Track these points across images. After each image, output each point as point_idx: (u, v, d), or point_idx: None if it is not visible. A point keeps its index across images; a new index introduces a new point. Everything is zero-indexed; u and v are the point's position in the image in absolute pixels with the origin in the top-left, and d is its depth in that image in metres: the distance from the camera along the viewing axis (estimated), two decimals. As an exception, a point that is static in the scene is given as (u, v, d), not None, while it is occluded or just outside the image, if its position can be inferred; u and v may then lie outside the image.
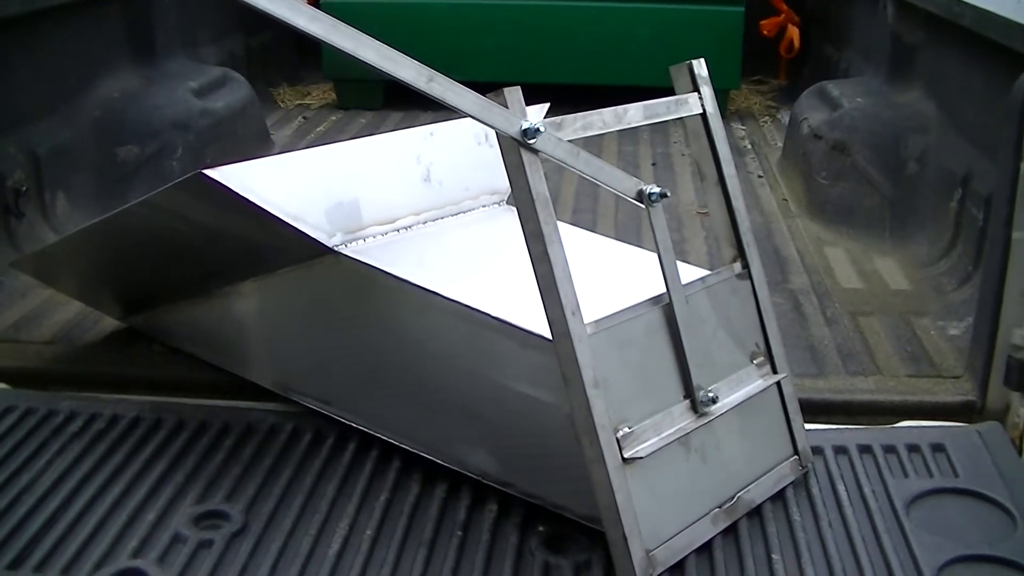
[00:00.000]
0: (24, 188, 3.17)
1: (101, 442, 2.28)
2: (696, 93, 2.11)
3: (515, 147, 1.79)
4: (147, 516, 2.03)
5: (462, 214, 2.54)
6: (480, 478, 2.12)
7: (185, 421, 2.35)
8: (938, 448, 2.28)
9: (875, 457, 2.25)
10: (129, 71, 3.97)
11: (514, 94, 1.80)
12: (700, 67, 2.12)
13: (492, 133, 1.83)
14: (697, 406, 1.98)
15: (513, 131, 1.78)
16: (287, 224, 2.12)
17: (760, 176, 4.22)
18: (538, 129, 1.79)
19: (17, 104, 3.26)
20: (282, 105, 5.31)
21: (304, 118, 5.08)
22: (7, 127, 3.19)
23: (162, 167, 3.68)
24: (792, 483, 2.15)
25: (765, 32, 5.47)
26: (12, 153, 3.17)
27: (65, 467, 2.19)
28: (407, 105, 5.04)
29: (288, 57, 5.72)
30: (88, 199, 3.49)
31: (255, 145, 4.34)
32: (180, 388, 2.52)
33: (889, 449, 2.28)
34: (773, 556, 1.95)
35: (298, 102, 5.36)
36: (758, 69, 5.67)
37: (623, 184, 1.95)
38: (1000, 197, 2.42)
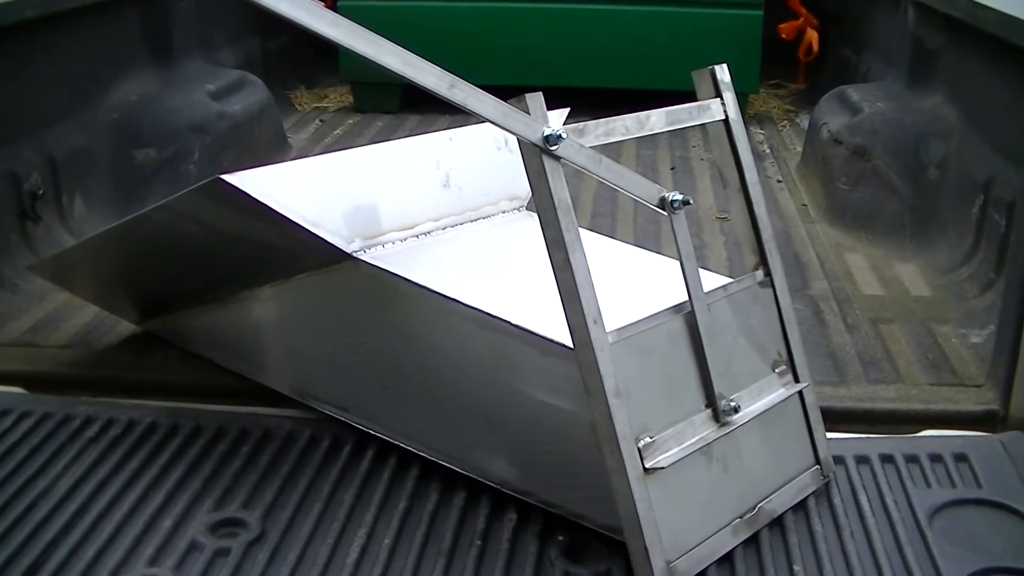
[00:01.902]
0: (41, 191, 3.17)
1: (118, 447, 2.27)
2: (719, 99, 2.10)
3: (537, 154, 1.77)
4: (164, 523, 2.02)
5: (482, 220, 2.52)
6: (499, 486, 2.11)
7: (202, 427, 2.34)
8: (961, 458, 2.26)
9: (897, 467, 2.23)
10: (146, 73, 3.96)
11: (536, 100, 1.78)
12: (723, 72, 2.11)
13: (512, 138, 1.82)
14: (719, 415, 1.97)
15: (535, 138, 1.76)
16: (305, 229, 2.11)
17: (779, 181, 4.20)
18: (560, 136, 1.77)
19: (34, 107, 3.25)
20: (299, 108, 5.31)
21: (321, 121, 5.08)
22: (24, 130, 3.18)
23: (179, 170, 3.68)
24: (814, 493, 2.13)
25: (784, 35, 5.44)
26: (29, 156, 3.17)
27: (81, 473, 2.18)
28: (425, 109, 5.03)
29: (305, 59, 5.71)
30: (105, 202, 3.48)
31: (272, 148, 4.34)
32: (197, 393, 2.51)
33: (911, 459, 2.25)
34: (795, 567, 1.93)
35: (315, 105, 5.35)
36: (777, 73, 5.64)
37: (645, 191, 1.94)
38: (1023, 204, 2.40)
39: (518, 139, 1.78)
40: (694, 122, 2.05)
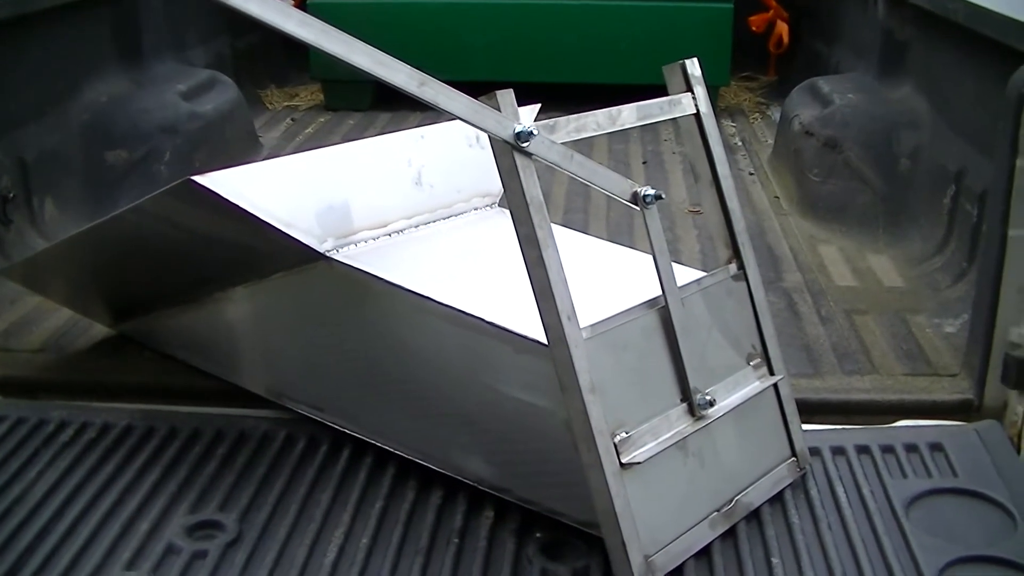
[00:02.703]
0: (12, 194, 3.14)
1: (93, 451, 2.26)
2: (689, 93, 2.10)
3: (508, 151, 1.77)
4: (140, 526, 2.01)
5: (454, 217, 2.52)
6: (476, 484, 2.10)
7: (177, 429, 2.33)
8: (936, 448, 2.26)
9: (873, 457, 2.23)
10: (117, 74, 3.94)
11: (507, 97, 1.78)
12: (693, 67, 2.11)
13: (484, 135, 1.82)
14: (694, 409, 1.97)
15: (506, 134, 1.76)
16: (278, 230, 2.10)
17: (751, 173, 4.21)
18: (531, 132, 1.77)
19: (5, 109, 3.23)
20: (270, 107, 5.29)
21: (292, 120, 5.06)
22: (-6, 132, 3.17)
23: (151, 171, 3.66)
24: (790, 485, 2.14)
25: (754, 28, 5.45)
26: (-1, 159, 3.15)
27: (57, 477, 2.16)
28: (396, 106, 5.02)
29: (276, 58, 5.69)
30: (77, 204, 3.46)
31: (243, 148, 4.32)
32: (172, 395, 2.50)
33: (887, 449, 2.26)
34: (773, 560, 1.93)
35: (286, 103, 5.34)
36: (748, 65, 5.65)
37: (617, 186, 1.94)
38: (996, 194, 2.41)
39: (489, 136, 1.77)
40: (665, 117, 2.05)
